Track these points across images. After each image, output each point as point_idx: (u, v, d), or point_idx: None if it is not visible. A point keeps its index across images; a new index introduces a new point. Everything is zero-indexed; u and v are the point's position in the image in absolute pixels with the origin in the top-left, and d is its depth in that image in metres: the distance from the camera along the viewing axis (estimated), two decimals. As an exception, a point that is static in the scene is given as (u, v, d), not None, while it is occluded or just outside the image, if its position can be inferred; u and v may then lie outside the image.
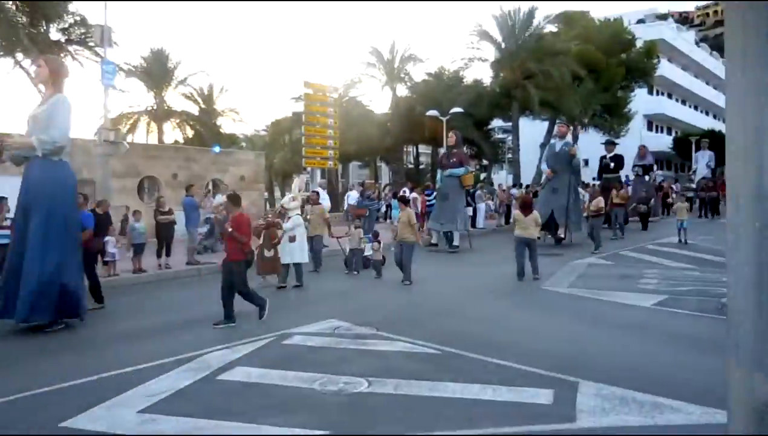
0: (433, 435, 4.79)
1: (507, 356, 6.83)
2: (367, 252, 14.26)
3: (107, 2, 15.23)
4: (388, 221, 22.50)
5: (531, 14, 33.42)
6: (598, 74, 33.68)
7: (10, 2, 22.76)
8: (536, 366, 6.45)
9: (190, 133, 42.46)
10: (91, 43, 27.70)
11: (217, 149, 26.00)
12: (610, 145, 23.91)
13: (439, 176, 18.84)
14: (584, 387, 5.80)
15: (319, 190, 19.37)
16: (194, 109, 43.21)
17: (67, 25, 28.72)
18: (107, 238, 13.12)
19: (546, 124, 35.92)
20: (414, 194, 21.16)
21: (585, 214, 18.67)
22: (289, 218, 12.45)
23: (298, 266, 12.19)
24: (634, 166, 25.20)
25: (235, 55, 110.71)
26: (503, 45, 33.59)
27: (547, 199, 18.73)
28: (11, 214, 11.74)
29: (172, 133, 42.39)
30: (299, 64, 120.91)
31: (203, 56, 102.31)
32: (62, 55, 28.16)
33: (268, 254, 12.12)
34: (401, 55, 39.47)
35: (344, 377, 6.16)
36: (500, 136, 46.41)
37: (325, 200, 18.37)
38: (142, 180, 22.72)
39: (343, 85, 38.88)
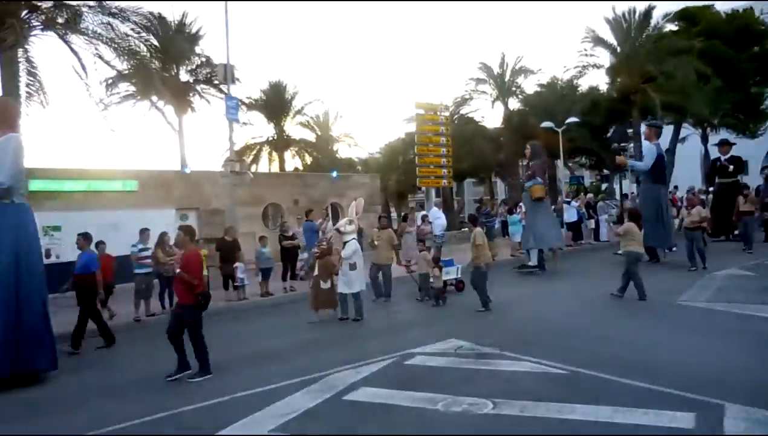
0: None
1: (640, 376, 6.43)
2: (453, 275, 13.41)
3: (229, 42, 16.31)
4: (506, 237, 22.06)
5: (648, 14, 31.70)
6: (727, 71, 31.24)
7: (145, 49, 25.05)
8: (674, 387, 6.01)
9: (308, 159, 44.22)
10: (216, 81, 29.78)
11: (334, 174, 26.91)
12: (724, 145, 21.38)
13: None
14: (731, 410, 5.32)
15: (435, 208, 19.41)
16: (311, 137, 45.01)
17: (194, 66, 31.11)
18: (237, 264, 13.94)
19: (671, 128, 33.80)
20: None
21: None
22: (346, 242, 11.32)
23: (357, 295, 11.12)
24: (763, 167, 22.57)
25: (348, 82, 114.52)
26: (619, 49, 32.08)
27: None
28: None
29: (292, 161, 44.38)
30: (409, 85, 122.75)
31: (318, 85, 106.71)
32: (191, 94, 30.53)
33: (324, 285, 11.24)
34: (511, 68, 38.90)
35: (468, 398, 6.07)
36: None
37: (441, 219, 18.36)
38: (266, 207, 23.97)
39: (453, 102, 38.91)
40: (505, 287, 13.38)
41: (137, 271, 12.58)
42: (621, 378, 6.44)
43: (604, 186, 40.64)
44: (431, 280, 12.40)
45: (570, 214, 21.10)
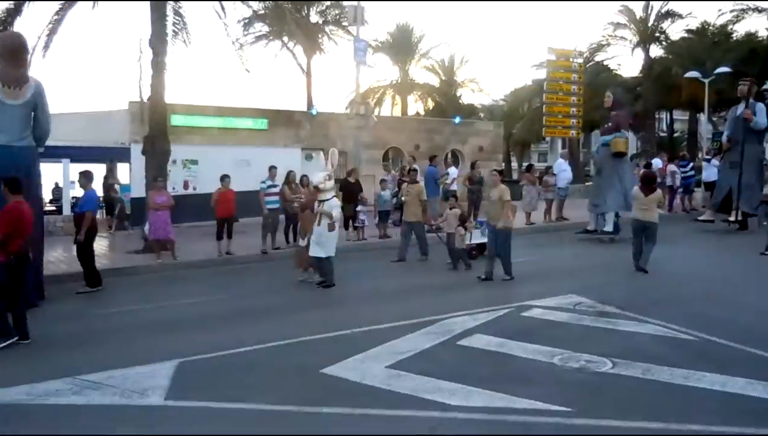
0: (688, 430, 4.36)
1: (781, 351, 5.92)
2: (476, 239, 11.81)
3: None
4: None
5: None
6: None
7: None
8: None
9: (431, 105, 43.89)
10: (345, 23, 29.97)
11: (457, 120, 26.51)
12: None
13: (595, 148, 16.50)
14: None
15: (561, 160, 18.65)
16: (435, 82, 44.48)
17: (324, 8, 31.47)
18: (359, 206, 14.29)
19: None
20: (672, 167, 19.19)
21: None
22: (324, 200, 9.71)
23: (327, 260, 9.75)
24: None
25: (475, 24, 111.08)
26: (787, -11, 28.58)
27: (725, 175, 15.85)
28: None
29: (415, 105, 44.27)
30: (540, 29, 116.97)
31: (445, 27, 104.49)
32: (320, 35, 31.00)
33: (302, 242, 10.27)
34: (656, 11, 35.83)
35: (586, 355, 5.91)
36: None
37: (567, 172, 17.63)
38: (387, 151, 24.18)
39: (588, 48, 36.74)
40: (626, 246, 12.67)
41: (268, 206, 13.21)
42: (758, 350, 5.98)
43: None
44: (479, 239, 11.62)
45: (709, 173, 19.42)
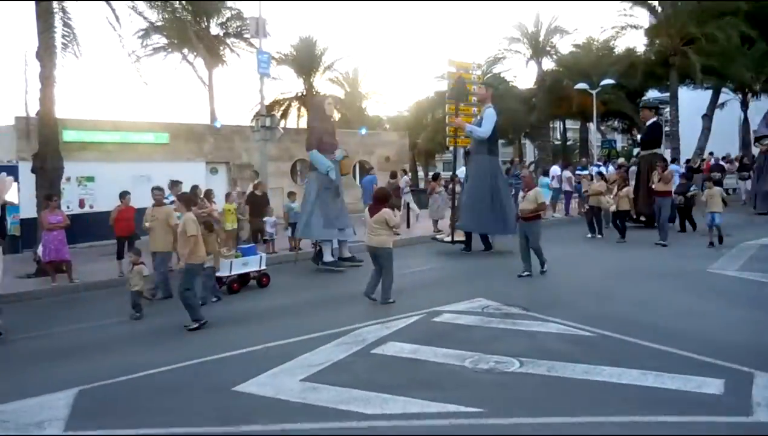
0: (592, 421, 4.64)
1: (669, 341, 6.42)
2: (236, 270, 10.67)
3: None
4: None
5: (692, -29, 30.49)
6: (775, 35, 29.98)
7: (177, 2, 24.97)
8: (703, 353, 5.99)
9: (336, 116, 43.95)
10: (247, 35, 29.58)
11: (363, 131, 26.77)
12: (646, 110, 17.78)
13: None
14: (760, 378, 5.31)
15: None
16: (340, 93, 44.68)
17: (225, 20, 30.93)
18: (266, 218, 14.10)
19: (709, 93, 32.78)
20: (567, 173, 20.26)
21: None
22: None
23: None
24: (757, 138, 19.81)
25: (378, 38, 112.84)
26: (659, 9, 30.96)
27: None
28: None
29: (321, 117, 44.18)
30: (441, 43, 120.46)
31: (348, 41, 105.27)
32: (221, 47, 30.45)
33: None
34: (546, 27, 37.87)
35: (495, 356, 6.14)
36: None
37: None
38: (294, 163, 24.02)
39: (486, 61, 38.19)
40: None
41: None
42: (649, 342, 6.44)
43: (636, 151, 39.84)
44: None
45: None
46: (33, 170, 12.90)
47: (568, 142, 48.80)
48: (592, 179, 18.15)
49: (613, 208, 15.15)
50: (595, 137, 36.38)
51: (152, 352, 7.09)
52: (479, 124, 13.61)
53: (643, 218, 16.58)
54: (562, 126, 46.53)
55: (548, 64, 38.64)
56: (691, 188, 16.16)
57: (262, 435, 4.70)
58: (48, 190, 12.37)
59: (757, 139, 20.00)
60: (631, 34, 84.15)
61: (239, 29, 30.66)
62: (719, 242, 13.12)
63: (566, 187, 19.96)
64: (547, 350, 6.36)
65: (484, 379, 5.63)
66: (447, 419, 4.74)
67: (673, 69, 30.14)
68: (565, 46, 40.37)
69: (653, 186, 14.12)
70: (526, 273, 10.57)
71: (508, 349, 6.38)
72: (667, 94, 32.87)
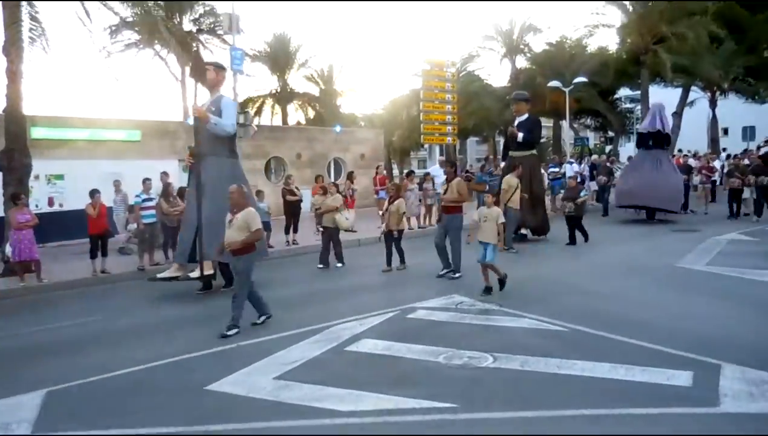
0: (563, 414, 4.69)
1: (639, 335, 6.53)
2: None
3: (235, -9, 16.03)
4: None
5: (663, -28, 30.99)
6: (742, 34, 30.64)
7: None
8: (672, 346, 6.10)
9: (311, 114, 43.83)
10: (220, 32, 29.31)
11: (338, 129, 26.70)
12: (521, 103, 15.37)
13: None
14: (728, 370, 5.41)
15: (437, 166, 19.31)
16: (315, 91, 44.49)
17: (197, 16, 30.58)
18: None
19: (679, 91, 33.41)
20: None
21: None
22: None
23: None
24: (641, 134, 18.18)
25: (353, 35, 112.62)
26: (630, 8, 31.43)
27: None
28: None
29: (295, 114, 43.98)
30: (416, 41, 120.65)
31: (323, 38, 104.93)
32: (194, 44, 30.10)
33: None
34: (520, 25, 38.24)
35: (469, 352, 6.18)
36: (628, 105, 43.83)
37: (440, 177, 18.24)
38: (269, 160, 23.86)
39: (460, 59, 38.41)
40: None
41: (144, 221, 12.57)
42: (620, 336, 6.54)
43: (608, 148, 40.44)
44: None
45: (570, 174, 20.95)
46: (0, 168, 12.61)
47: (542, 140, 49.23)
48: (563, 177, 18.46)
49: None
50: (568, 135, 36.80)
51: (122, 351, 6.98)
52: (219, 115, 10.06)
53: (524, 231, 14.58)
54: (536, 124, 46.90)
55: (522, 62, 39.05)
56: (581, 194, 14.34)
57: (231, 432, 4.66)
58: (16, 188, 12.10)
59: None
60: (604, 32, 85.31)
61: (212, 26, 30.35)
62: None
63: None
64: (520, 345, 6.41)
65: (458, 374, 5.65)
66: (421, 415, 4.75)
67: (644, 67, 30.66)
68: (538, 44, 40.68)
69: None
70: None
71: (482, 344, 6.42)
72: (639, 92, 33.41)
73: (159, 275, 10.40)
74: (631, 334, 6.57)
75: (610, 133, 42.87)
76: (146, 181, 12.89)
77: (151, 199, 12.69)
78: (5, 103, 12.44)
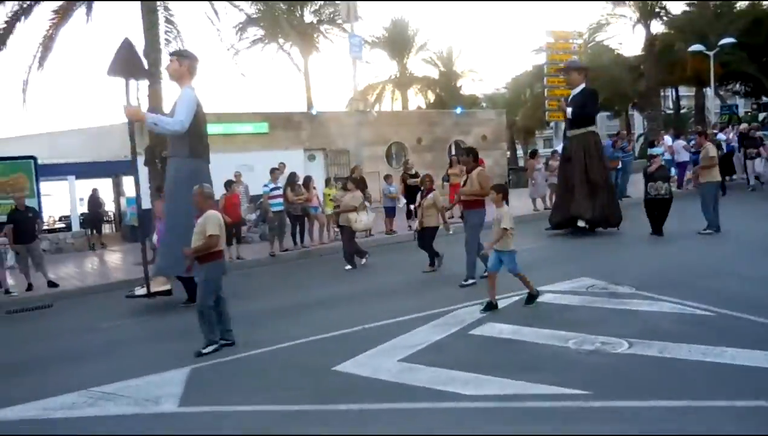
0: (713, 405, 4.25)
1: (801, 321, 5.79)
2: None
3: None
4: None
5: None
6: None
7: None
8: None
9: (431, 97, 43.75)
10: (339, 20, 29.91)
11: (458, 111, 26.38)
12: (574, 72, 13.38)
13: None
14: None
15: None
16: (434, 74, 44.31)
17: (317, 7, 31.41)
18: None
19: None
20: (681, 142, 18.83)
21: None
22: None
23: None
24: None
25: (472, 13, 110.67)
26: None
27: None
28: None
29: (415, 99, 44.10)
30: (538, 14, 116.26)
31: (441, 19, 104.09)
32: (315, 35, 31.00)
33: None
34: (656, -14, 35.45)
35: (601, 337, 5.79)
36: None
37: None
38: (389, 146, 24.10)
39: (588, 29, 36.41)
40: (635, 225, 12.55)
41: (273, 209, 13.15)
42: (775, 321, 5.83)
43: (761, 115, 36.54)
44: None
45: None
46: (145, 163, 13.71)
47: (682, 111, 45.64)
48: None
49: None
50: (713, 103, 33.74)
51: (256, 333, 7.32)
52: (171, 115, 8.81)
53: (582, 224, 12.39)
54: (674, 94, 43.50)
55: (657, 27, 36.15)
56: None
57: (358, 412, 4.70)
58: (159, 182, 13.10)
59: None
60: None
61: (332, 15, 31.03)
62: None
63: (683, 157, 18.46)
64: (659, 330, 5.92)
65: (589, 360, 5.32)
66: (549, 402, 4.51)
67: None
68: (677, 6, 37.69)
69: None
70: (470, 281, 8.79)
71: (616, 330, 5.99)
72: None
73: (137, 292, 9.64)
74: (791, 319, 5.84)
75: (765, 99, 38.70)
76: (274, 171, 13.45)
77: (278, 188, 13.23)
78: (148, 103, 13.49)
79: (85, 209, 21.12)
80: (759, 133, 19.45)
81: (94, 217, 19.78)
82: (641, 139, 36.40)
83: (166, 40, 13.62)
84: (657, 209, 11.28)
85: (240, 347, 6.67)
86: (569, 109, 12.74)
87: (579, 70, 13.40)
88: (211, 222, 6.73)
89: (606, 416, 4.25)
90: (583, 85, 12.95)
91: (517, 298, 7.64)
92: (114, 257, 16.43)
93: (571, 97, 13.06)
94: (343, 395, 5.05)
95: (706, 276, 8.06)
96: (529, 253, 11.09)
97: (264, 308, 8.79)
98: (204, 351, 6.53)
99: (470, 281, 8.67)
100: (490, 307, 7.17)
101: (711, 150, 11.49)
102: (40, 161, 16.68)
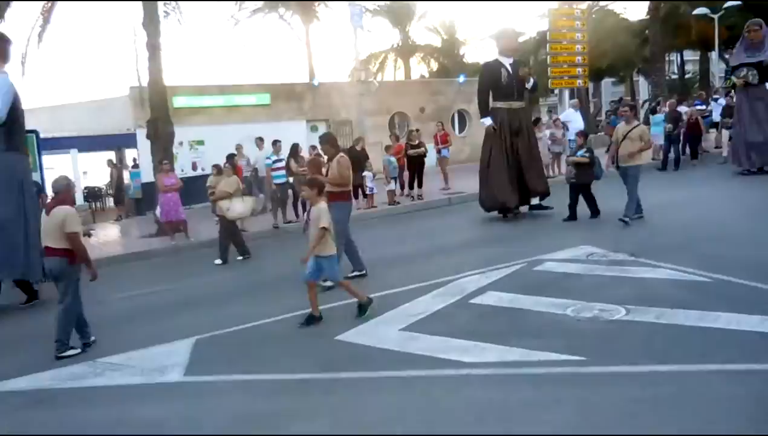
0: (705, 369, 4.34)
1: (797, 285, 5.85)
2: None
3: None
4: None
5: None
6: None
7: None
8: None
9: (434, 66, 43.29)
10: (341, -11, 29.52)
11: (461, 79, 26.16)
12: (509, 38, 12.32)
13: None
14: None
15: (572, 110, 18.30)
16: (437, 42, 43.78)
17: (319, -25, 30.96)
18: (365, 173, 14.24)
19: None
20: (683, 108, 18.58)
21: None
22: None
23: None
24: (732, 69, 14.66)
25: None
26: None
27: None
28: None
29: (418, 67, 43.64)
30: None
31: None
32: (316, 4, 30.60)
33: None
34: (660, -52, 34.75)
35: (599, 304, 5.88)
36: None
37: (578, 121, 17.31)
38: (392, 116, 23.98)
39: (591, -7, 35.82)
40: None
41: (275, 181, 13.18)
42: (771, 286, 5.89)
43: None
44: None
45: (715, 114, 18.88)
46: (147, 136, 13.76)
47: (687, 76, 45.11)
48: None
49: None
50: (717, 68, 33.36)
51: (260, 304, 7.44)
52: None
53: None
54: (679, 58, 42.96)
55: (663, -10, 35.57)
56: (579, 154, 10.73)
57: (361, 379, 4.82)
58: (162, 155, 13.17)
59: (732, 72, 14.49)
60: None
61: (333, -18, 30.61)
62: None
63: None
64: (657, 296, 5.99)
65: (588, 328, 5.41)
66: (547, 367, 4.62)
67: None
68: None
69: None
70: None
71: (614, 297, 6.07)
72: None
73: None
74: (787, 284, 5.90)
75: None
76: (276, 143, 13.46)
77: (281, 160, 13.26)
78: (148, 77, 13.47)
79: (88, 183, 21.25)
80: None
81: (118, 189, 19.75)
82: (646, 106, 36.06)
83: (165, 12, 13.55)
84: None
85: (243, 318, 6.78)
86: (532, 79, 11.76)
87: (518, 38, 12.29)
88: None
89: (602, 380, 4.35)
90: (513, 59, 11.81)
91: (517, 267, 7.73)
92: (117, 230, 16.55)
93: (510, 63, 11.68)
94: (347, 363, 5.17)
95: (704, 239, 8.13)
96: (528, 221, 11.17)
97: (266, 279, 8.92)
98: (61, 355, 6.06)
99: (328, 284, 7.28)
100: (312, 320, 6.34)
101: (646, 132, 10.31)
102: (41, 135, 16.69)
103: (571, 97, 22.26)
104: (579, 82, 21.07)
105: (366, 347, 5.53)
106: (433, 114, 24.17)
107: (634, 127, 9.92)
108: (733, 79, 13.67)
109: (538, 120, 18.50)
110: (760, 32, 13.45)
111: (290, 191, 13.55)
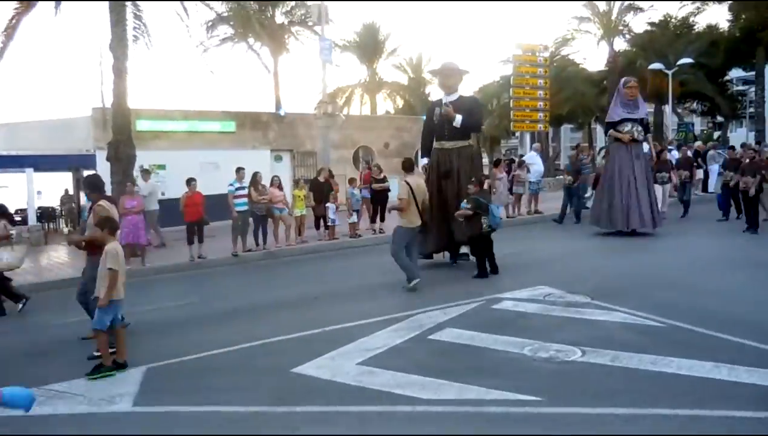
0: (657, 413, 4.42)
1: (746, 333, 6.03)
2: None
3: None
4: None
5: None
6: None
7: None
8: (783, 347, 5.61)
9: (400, 102, 43.97)
10: (310, 23, 29.78)
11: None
12: (451, 76, 11.78)
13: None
14: None
15: (534, 153, 18.77)
16: (404, 79, 44.59)
17: (289, 8, 31.21)
18: (328, 204, 14.24)
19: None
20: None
21: None
22: None
23: None
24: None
25: (443, 22, 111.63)
26: (747, -19, 29.19)
27: None
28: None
29: (384, 103, 44.30)
30: (507, 26, 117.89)
31: (412, 25, 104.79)
32: (286, 36, 30.77)
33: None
34: (619, 5, 36.41)
35: (556, 345, 5.95)
36: (740, 87, 40.87)
37: (537, 165, 17.75)
38: (357, 149, 24.13)
39: (554, 43, 37.09)
40: (597, 236, 12.91)
41: (237, 208, 13.03)
42: (726, 335, 6.07)
43: (716, 134, 37.77)
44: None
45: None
46: (108, 158, 13.50)
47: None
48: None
49: None
50: (671, 120, 34.79)
51: (216, 333, 7.27)
52: None
53: (465, 249, 11.20)
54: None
55: (621, 44, 37.20)
56: (462, 205, 9.94)
57: (316, 414, 4.73)
58: (122, 177, 12.93)
59: (614, 127, 13.50)
60: (713, 9, 79.58)
61: (303, 17, 30.85)
62: None
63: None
64: (612, 339, 6.11)
65: (544, 367, 5.46)
66: (504, 407, 4.63)
67: (761, 45, 28.38)
68: (639, 24, 38.76)
69: None
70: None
71: (570, 338, 6.16)
72: (753, 72, 31.05)
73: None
74: (737, 332, 6.07)
75: (720, 118, 40.06)
76: (239, 170, 13.35)
77: (243, 188, 13.14)
78: (112, 99, 13.29)
79: (42, 203, 20.60)
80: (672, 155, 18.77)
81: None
82: (602, 152, 37.22)
83: (134, 36, 13.45)
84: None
85: (198, 347, 6.61)
86: (459, 117, 10.74)
87: (462, 74, 11.81)
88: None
89: (557, 421, 4.38)
90: (459, 94, 11.42)
91: (476, 304, 7.78)
92: (66, 253, 16.04)
93: (446, 102, 11.07)
94: (302, 397, 5.07)
95: (658, 287, 8.32)
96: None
97: (225, 308, 8.73)
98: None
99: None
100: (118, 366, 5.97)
101: (402, 189, 9.24)
102: (-3, 152, 16.25)
103: (532, 140, 22.80)
104: (540, 126, 21.66)
105: (323, 380, 5.45)
106: (397, 150, 24.42)
107: None
108: (617, 134, 13.16)
109: (498, 161, 18.84)
110: (637, 90, 13.47)
111: (251, 219, 13.41)
